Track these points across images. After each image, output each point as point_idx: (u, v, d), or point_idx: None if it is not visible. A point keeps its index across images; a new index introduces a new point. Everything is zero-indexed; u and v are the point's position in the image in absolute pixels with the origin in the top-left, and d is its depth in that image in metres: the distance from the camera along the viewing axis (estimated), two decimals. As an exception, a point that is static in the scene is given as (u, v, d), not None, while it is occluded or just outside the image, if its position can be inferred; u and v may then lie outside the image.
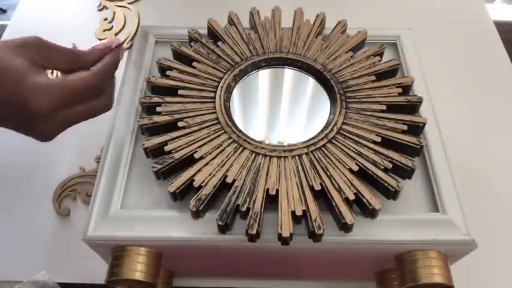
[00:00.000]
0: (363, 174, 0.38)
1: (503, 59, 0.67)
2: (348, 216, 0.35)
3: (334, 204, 0.36)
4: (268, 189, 0.37)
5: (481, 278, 0.48)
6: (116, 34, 0.46)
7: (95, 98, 0.40)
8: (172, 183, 0.37)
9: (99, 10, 0.46)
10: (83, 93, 0.38)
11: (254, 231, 0.35)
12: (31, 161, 0.56)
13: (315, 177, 0.37)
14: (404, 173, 0.39)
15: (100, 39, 0.47)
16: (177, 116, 0.41)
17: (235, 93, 0.45)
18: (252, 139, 0.40)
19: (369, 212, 0.37)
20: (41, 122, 0.37)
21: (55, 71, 0.50)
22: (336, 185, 0.37)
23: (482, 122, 0.61)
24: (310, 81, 0.46)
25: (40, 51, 0.37)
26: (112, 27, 0.47)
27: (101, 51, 0.42)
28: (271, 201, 0.37)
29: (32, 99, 0.35)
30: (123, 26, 0.47)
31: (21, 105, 0.35)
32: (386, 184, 0.37)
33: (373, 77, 0.44)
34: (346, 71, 0.45)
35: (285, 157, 0.39)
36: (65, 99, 0.37)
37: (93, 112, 0.41)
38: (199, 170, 0.38)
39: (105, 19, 0.48)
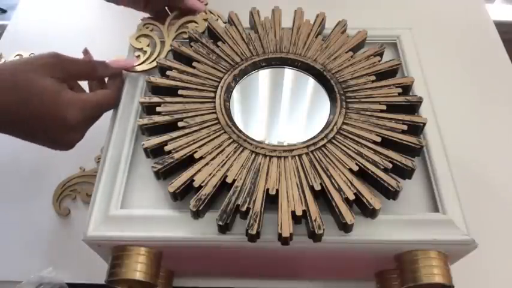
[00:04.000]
0: (363, 174, 0.38)
1: (503, 59, 0.67)
2: (348, 216, 0.35)
3: (334, 204, 0.36)
4: (268, 189, 0.37)
5: (481, 278, 0.48)
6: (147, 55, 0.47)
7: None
8: (172, 183, 0.37)
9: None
10: (106, 107, 0.44)
11: (254, 231, 0.35)
12: (31, 161, 0.56)
13: (315, 177, 0.37)
14: (404, 173, 0.39)
15: (134, 47, 0.48)
16: (177, 116, 0.41)
17: (235, 93, 0.45)
18: (252, 139, 0.40)
19: (369, 212, 0.37)
20: (74, 132, 0.42)
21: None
22: (336, 185, 0.37)
23: (482, 122, 0.61)
24: (310, 81, 0.46)
25: (60, 67, 0.41)
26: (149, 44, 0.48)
27: (116, 69, 0.46)
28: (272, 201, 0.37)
29: (69, 114, 0.40)
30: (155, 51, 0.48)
31: (58, 120, 0.40)
32: (386, 184, 0.37)
33: (373, 77, 0.44)
34: (346, 71, 0.45)
35: (285, 157, 0.39)
36: (94, 112, 0.43)
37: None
38: (199, 170, 0.38)
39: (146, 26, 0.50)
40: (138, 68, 0.47)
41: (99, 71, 0.45)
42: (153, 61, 0.47)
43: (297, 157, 0.39)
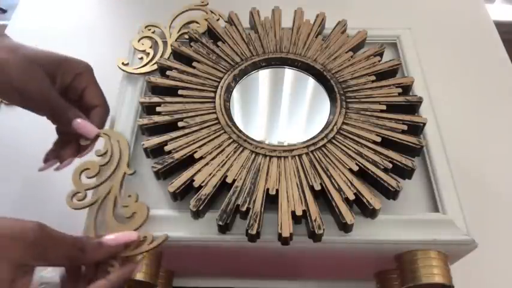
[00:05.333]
0: (363, 174, 0.38)
1: (503, 59, 0.67)
2: (348, 216, 0.35)
3: (334, 204, 0.36)
4: (268, 189, 0.37)
5: (481, 278, 0.48)
6: (150, 59, 0.47)
7: None
8: (172, 183, 0.37)
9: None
10: None
11: (254, 231, 0.35)
12: (31, 162, 0.56)
13: (315, 177, 0.37)
14: (404, 173, 0.39)
15: (137, 49, 0.47)
16: (177, 116, 0.41)
17: (235, 93, 0.45)
18: (252, 139, 0.40)
19: (369, 212, 0.37)
20: None
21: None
22: (336, 185, 0.37)
23: (482, 122, 0.61)
24: (310, 81, 0.46)
25: (36, 247, 0.30)
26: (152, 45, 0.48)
27: (113, 248, 0.34)
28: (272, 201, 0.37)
29: None
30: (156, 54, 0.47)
31: None
32: (386, 184, 0.37)
33: (373, 77, 0.44)
34: (346, 71, 0.45)
35: (285, 157, 0.39)
36: None
37: None
38: (199, 170, 0.38)
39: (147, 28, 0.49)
40: (141, 70, 0.46)
41: (89, 254, 0.33)
42: (155, 63, 0.47)
43: (297, 157, 0.39)
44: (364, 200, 0.36)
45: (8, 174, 0.56)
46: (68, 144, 0.42)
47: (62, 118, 0.40)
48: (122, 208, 0.37)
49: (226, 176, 0.37)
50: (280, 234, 0.35)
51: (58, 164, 0.42)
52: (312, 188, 0.37)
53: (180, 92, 0.42)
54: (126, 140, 0.41)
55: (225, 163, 0.38)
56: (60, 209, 0.54)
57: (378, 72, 0.44)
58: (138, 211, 0.37)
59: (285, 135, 0.44)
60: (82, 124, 0.39)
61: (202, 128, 0.40)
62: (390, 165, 0.38)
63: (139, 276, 0.37)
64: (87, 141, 0.41)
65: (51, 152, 0.42)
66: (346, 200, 0.36)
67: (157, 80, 0.43)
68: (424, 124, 0.41)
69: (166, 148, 0.39)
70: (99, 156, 0.40)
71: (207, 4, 0.51)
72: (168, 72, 0.44)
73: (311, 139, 0.40)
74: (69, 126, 0.40)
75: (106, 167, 0.39)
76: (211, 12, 0.50)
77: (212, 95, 0.43)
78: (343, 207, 0.36)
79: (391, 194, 0.38)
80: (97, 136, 0.41)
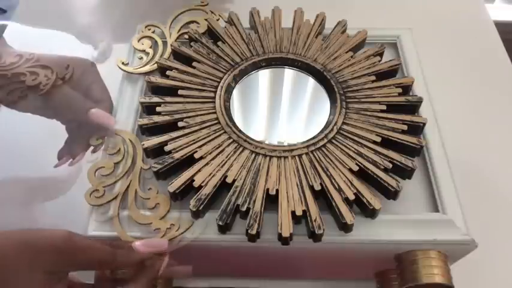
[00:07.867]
0: (363, 174, 0.38)
1: (503, 59, 0.67)
2: (348, 216, 0.35)
3: (334, 204, 0.36)
4: (268, 189, 0.37)
5: (481, 278, 0.48)
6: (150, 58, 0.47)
7: None
8: (172, 183, 0.37)
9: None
10: None
11: (254, 231, 0.35)
12: (31, 162, 0.56)
13: (315, 177, 0.37)
14: (404, 173, 0.39)
15: (136, 49, 0.47)
16: (177, 116, 0.41)
17: (235, 93, 0.45)
18: (252, 139, 0.40)
19: (369, 212, 0.37)
20: None
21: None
22: (336, 185, 0.37)
23: (482, 122, 0.61)
24: (310, 81, 0.46)
25: (66, 258, 0.31)
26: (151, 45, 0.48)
27: (143, 254, 0.35)
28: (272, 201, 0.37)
29: None
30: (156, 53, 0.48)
31: None
32: (386, 184, 0.37)
33: (373, 77, 0.44)
34: (346, 71, 0.45)
35: (285, 157, 0.39)
36: None
37: None
38: (199, 170, 0.38)
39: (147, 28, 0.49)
40: (141, 70, 0.47)
41: (120, 259, 0.34)
42: (155, 63, 0.47)
43: (297, 157, 0.39)
44: (364, 200, 0.36)
45: (8, 174, 0.56)
46: (78, 141, 0.43)
47: (77, 109, 0.42)
48: (144, 201, 0.38)
49: (226, 176, 0.37)
50: (280, 234, 0.35)
51: (71, 160, 0.44)
52: (312, 188, 0.37)
53: (180, 92, 0.42)
54: (137, 138, 0.42)
55: (225, 163, 0.38)
56: (61, 208, 0.54)
57: (377, 72, 0.44)
58: (161, 202, 0.38)
59: (285, 135, 0.44)
60: (97, 114, 0.41)
61: (202, 128, 0.40)
62: (390, 165, 0.38)
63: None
64: (98, 141, 0.42)
65: (63, 150, 0.44)
66: (346, 200, 0.36)
67: (157, 80, 0.43)
68: (424, 124, 0.41)
69: (166, 148, 0.39)
70: (110, 154, 0.41)
71: (207, 4, 0.51)
72: (168, 72, 0.44)
73: (311, 139, 0.40)
74: (83, 116, 0.41)
75: (120, 164, 0.40)
76: (211, 12, 0.50)
77: (212, 95, 0.43)
78: (343, 207, 0.36)
79: (391, 194, 0.38)
80: (112, 132, 0.42)
